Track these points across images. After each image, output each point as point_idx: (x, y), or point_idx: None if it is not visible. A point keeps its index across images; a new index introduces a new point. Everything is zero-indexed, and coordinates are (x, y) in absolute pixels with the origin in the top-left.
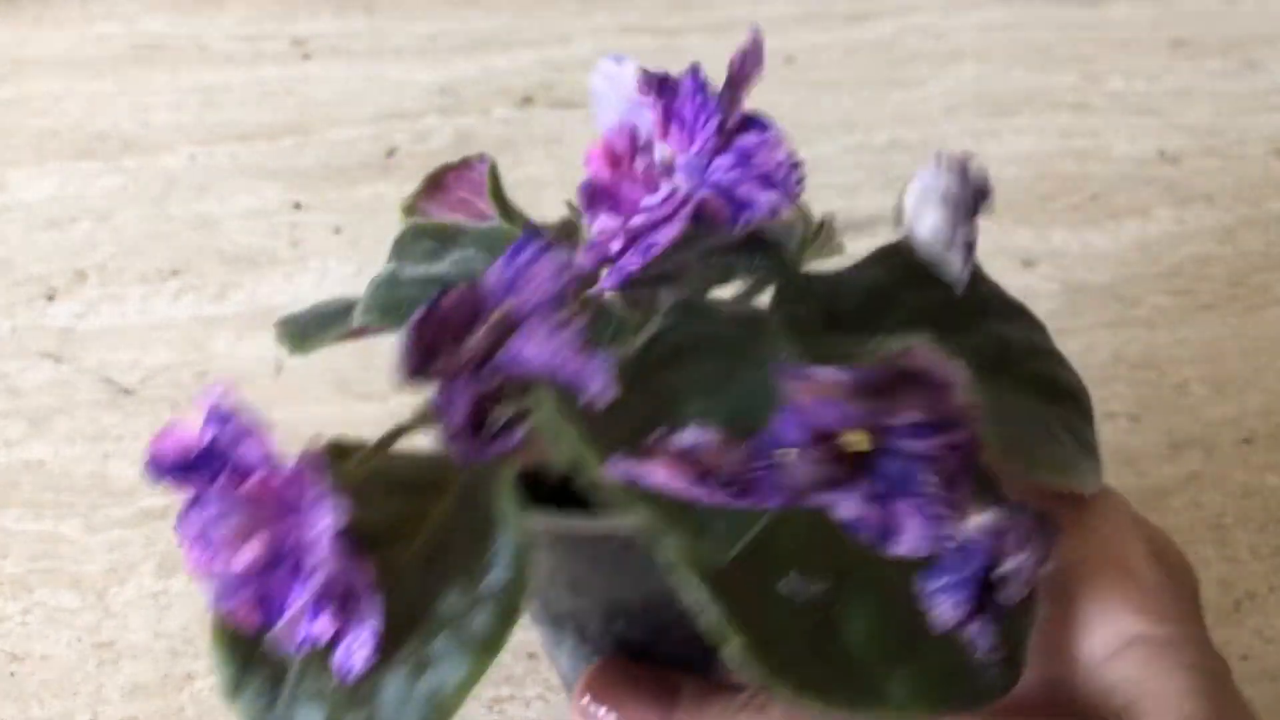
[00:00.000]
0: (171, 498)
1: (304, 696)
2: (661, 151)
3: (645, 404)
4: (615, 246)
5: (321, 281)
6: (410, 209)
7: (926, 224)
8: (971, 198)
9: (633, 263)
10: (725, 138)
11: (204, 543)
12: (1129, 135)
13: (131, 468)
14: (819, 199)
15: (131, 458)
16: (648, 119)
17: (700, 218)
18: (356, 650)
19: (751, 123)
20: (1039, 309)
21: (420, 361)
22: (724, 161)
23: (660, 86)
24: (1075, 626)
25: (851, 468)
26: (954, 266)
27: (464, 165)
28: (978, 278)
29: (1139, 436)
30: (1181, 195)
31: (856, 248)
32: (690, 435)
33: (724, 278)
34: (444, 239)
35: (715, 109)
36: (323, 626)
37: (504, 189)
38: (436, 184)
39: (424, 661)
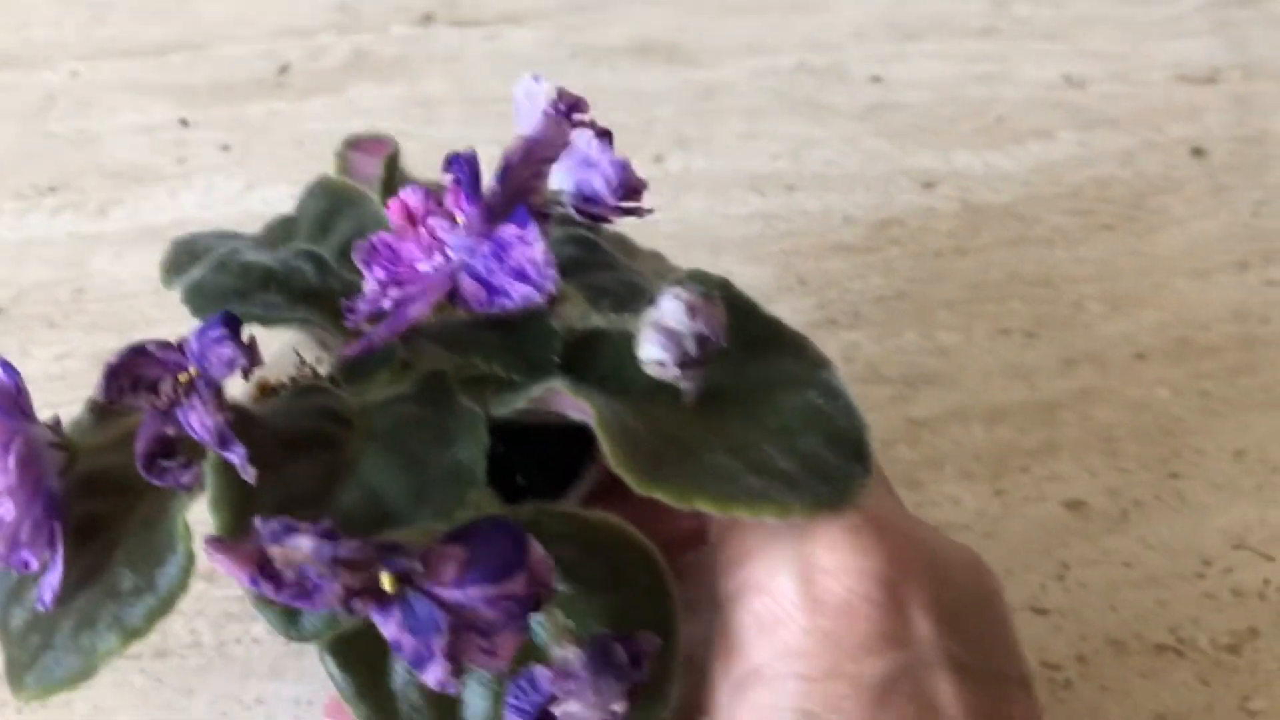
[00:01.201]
0: (46, 415)
1: (17, 601)
2: (453, 219)
3: (314, 478)
4: (382, 305)
5: (207, 198)
6: (340, 162)
7: (651, 350)
8: (696, 338)
9: (379, 334)
10: (490, 224)
11: None
12: (1035, 60)
13: None
14: (725, 123)
15: None
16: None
17: (457, 299)
18: (45, 589)
19: (514, 214)
20: (937, 227)
21: (111, 396)
22: (483, 248)
23: (453, 160)
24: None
25: (389, 598)
26: (684, 387)
27: (374, 139)
28: (751, 317)
29: (1034, 351)
30: (1086, 119)
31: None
32: (269, 527)
33: (467, 353)
34: (337, 203)
35: (474, 195)
36: (28, 563)
37: (395, 178)
38: (355, 145)
39: (91, 620)
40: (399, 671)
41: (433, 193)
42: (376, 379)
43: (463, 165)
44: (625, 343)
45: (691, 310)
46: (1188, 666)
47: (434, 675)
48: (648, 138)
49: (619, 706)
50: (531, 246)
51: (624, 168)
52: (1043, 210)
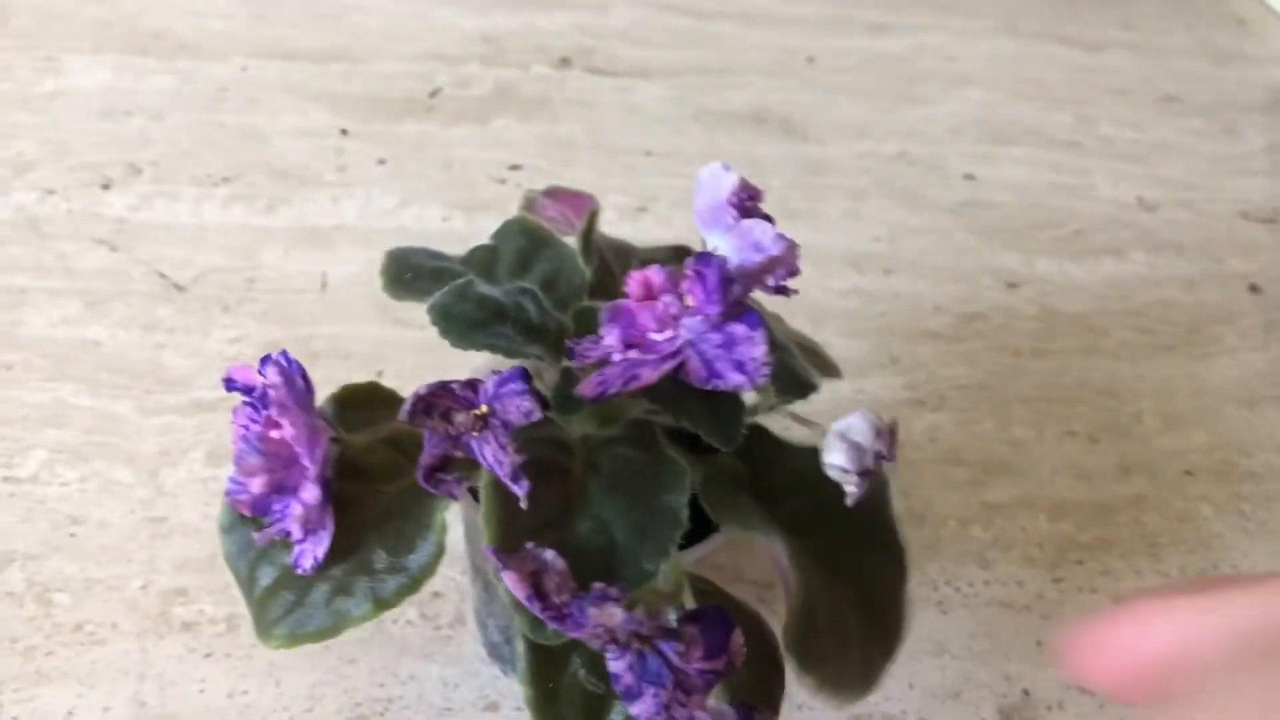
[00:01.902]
0: (222, 393)
1: (267, 561)
2: (684, 301)
3: (557, 504)
4: (613, 357)
5: (365, 209)
6: (527, 203)
7: (836, 456)
8: (875, 454)
9: (613, 384)
10: (724, 318)
11: (239, 463)
12: (1113, 179)
13: (184, 360)
14: (830, 200)
15: (184, 350)
16: (725, 224)
17: (681, 369)
18: (307, 557)
19: (746, 315)
20: (1018, 327)
21: (414, 415)
22: (714, 337)
23: (703, 259)
24: None
25: (624, 644)
26: (849, 491)
27: (572, 192)
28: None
29: (1095, 457)
30: (1155, 242)
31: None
32: (547, 556)
33: (678, 414)
34: (535, 242)
35: (720, 297)
36: (292, 530)
37: (594, 232)
38: (549, 193)
39: (345, 589)
40: (569, 674)
41: (672, 274)
42: (583, 414)
43: (713, 268)
44: (803, 450)
45: (877, 431)
46: None
47: (642, 711)
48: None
49: None
50: (757, 346)
51: (792, 252)
52: (1111, 324)
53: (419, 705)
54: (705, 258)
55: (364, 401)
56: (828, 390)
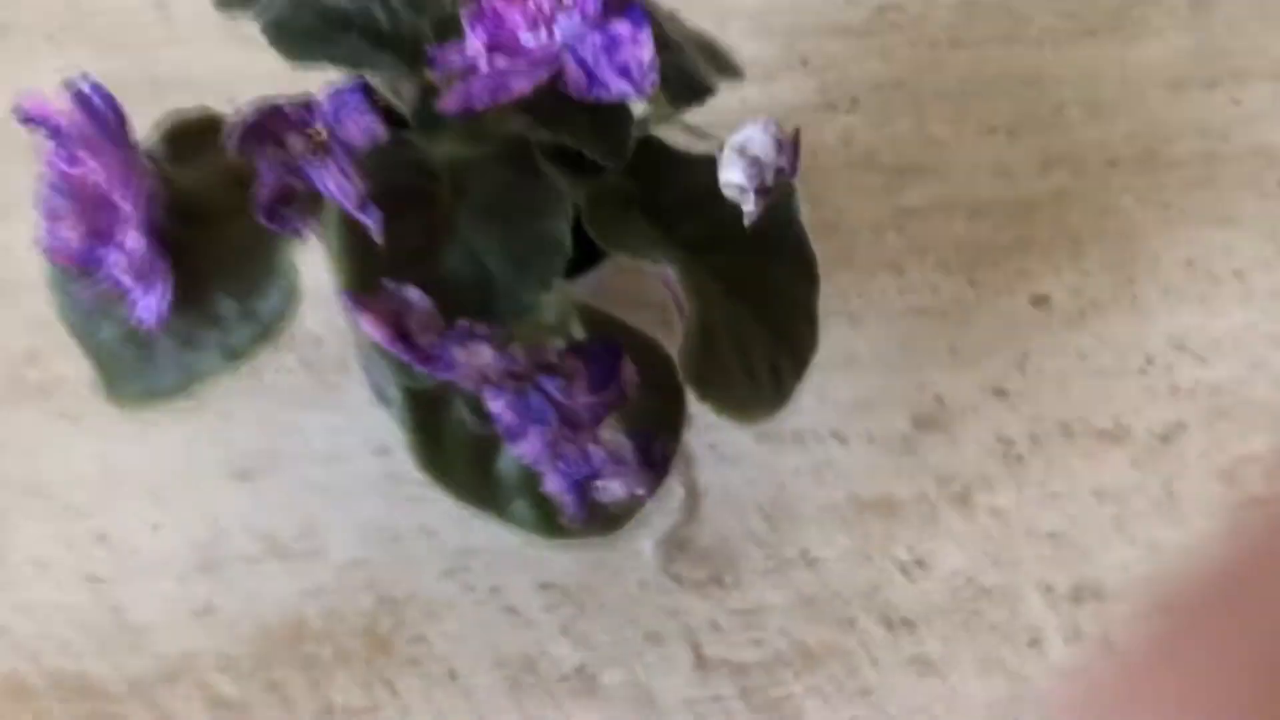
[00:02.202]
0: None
1: (105, 316)
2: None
3: (420, 236)
4: (479, 66)
5: None
6: None
7: (733, 173)
8: (775, 169)
9: (480, 97)
10: (604, 16)
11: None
12: None
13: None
14: None
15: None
16: None
17: (559, 79)
18: (147, 311)
19: (629, 11)
20: (937, 18)
21: (243, 144)
22: (595, 39)
23: None
24: None
25: (505, 381)
26: (747, 209)
27: None
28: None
29: (1016, 152)
30: None
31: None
32: (409, 295)
33: (558, 130)
34: None
35: (595, 10)
36: (123, 281)
37: None
38: None
39: (192, 342)
40: (453, 417)
41: None
42: (449, 131)
43: None
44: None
45: (779, 145)
46: (1123, 451)
47: (528, 450)
48: None
49: (642, 491)
50: (642, 47)
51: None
52: (1034, 9)
53: (306, 455)
54: None
55: (199, 134)
56: (732, 97)
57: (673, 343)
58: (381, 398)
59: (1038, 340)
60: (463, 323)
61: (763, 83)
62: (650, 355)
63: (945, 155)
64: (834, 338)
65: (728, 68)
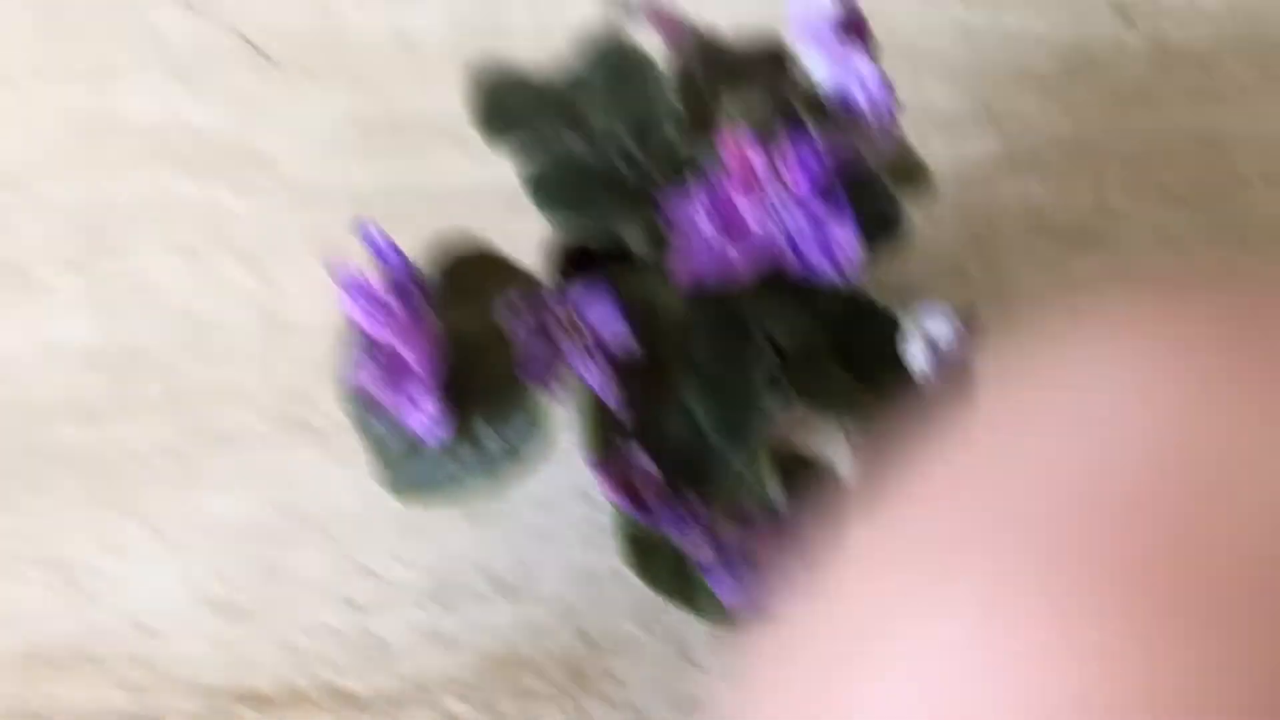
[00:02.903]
0: (320, 179)
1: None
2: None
3: (647, 398)
4: (704, 237)
5: None
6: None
7: (917, 358)
8: (955, 353)
9: (705, 272)
10: (816, 199)
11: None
12: None
13: (275, 139)
14: None
15: (278, 131)
16: (823, 45)
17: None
18: (419, 425)
19: (837, 203)
20: (1127, 71)
21: (506, 316)
22: (806, 226)
23: (799, 143)
24: None
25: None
26: (920, 384)
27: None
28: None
29: (1189, 223)
30: None
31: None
32: (639, 460)
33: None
34: (625, 71)
35: (815, 189)
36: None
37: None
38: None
39: (455, 453)
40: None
41: (766, 146)
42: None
43: (809, 157)
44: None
45: (962, 341)
46: None
47: (724, 591)
48: None
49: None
50: (847, 234)
51: (891, 108)
52: (1231, 65)
53: (526, 499)
54: (802, 139)
55: (471, 266)
56: (919, 151)
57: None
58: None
59: None
60: (685, 497)
61: (948, 134)
62: (829, 479)
63: (1117, 223)
64: None
65: (918, 177)
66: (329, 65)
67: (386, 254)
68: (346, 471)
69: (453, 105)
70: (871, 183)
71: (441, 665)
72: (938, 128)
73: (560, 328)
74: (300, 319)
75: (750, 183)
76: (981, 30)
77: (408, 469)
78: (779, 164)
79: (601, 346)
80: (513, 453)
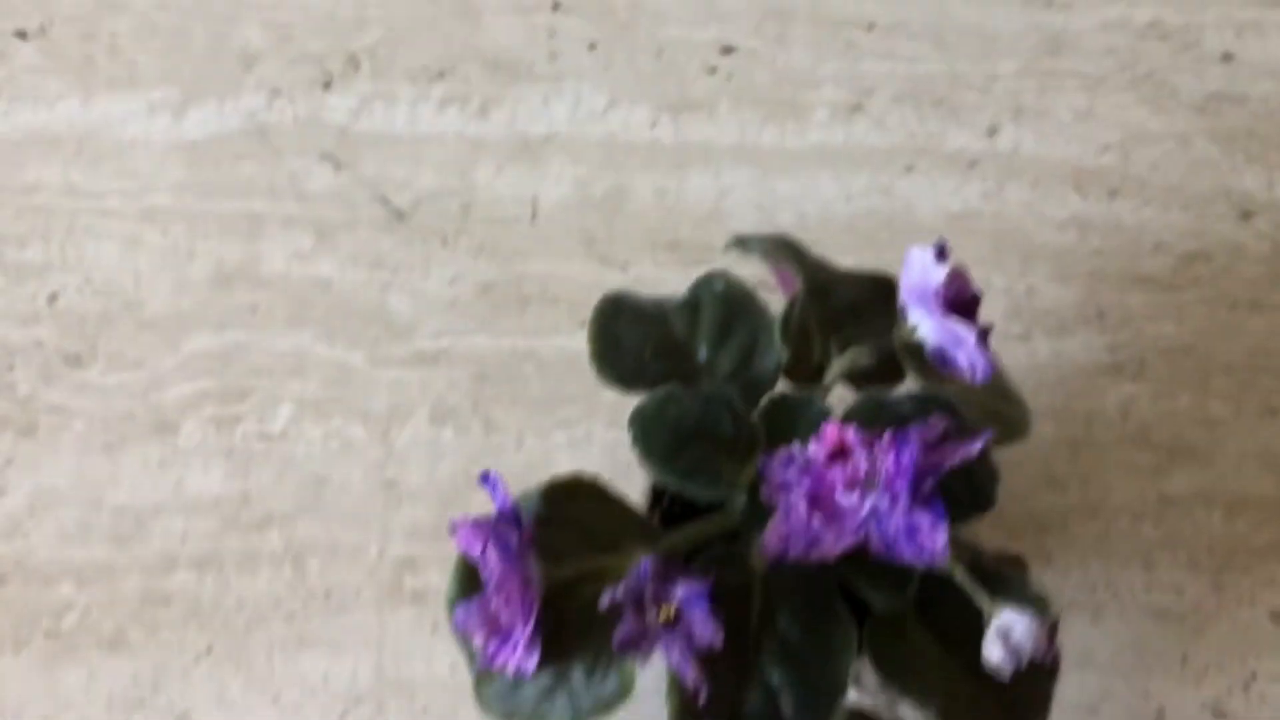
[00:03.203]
0: (444, 343)
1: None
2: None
3: (732, 673)
4: (797, 513)
5: (575, 111)
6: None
7: (994, 653)
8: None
9: (796, 548)
10: (910, 503)
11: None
12: None
13: (408, 303)
14: (1064, 91)
15: (407, 291)
16: (932, 311)
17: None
18: (513, 662)
19: (934, 504)
20: (1242, 273)
21: (610, 605)
22: (899, 520)
23: (901, 444)
24: None
25: None
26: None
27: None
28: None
29: None
30: None
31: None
32: None
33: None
34: (735, 308)
35: (911, 482)
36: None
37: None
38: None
39: (549, 691)
40: None
41: (861, 436)
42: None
43: (909, 449)
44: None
45: (1037, 641)
46: None
47: None
48: (986, 99)
49: None
50: (939, 537)
51: (990, 367)
52: None
53: None
54: (903, 437)
55: (572, 494)
56: (1020, 350)
57: None
58: None
59: (1268, 661)
60: None
61: (1055, 336)
62: None
63: (1218, 437)
64: (1075, 634)
65: (1014, 425)
66: (460, 229)
67: (502, 504)
68: (440, 640)
69: (573, 274)
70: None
71: None
72: (1043, 325)
73: (656, 616)
74: (414, 484)
75: (849, 474)
76: (1095, 222)
77: (499, 689)
78: (878, 458)
79: (691, 640)
80: (602, 706)
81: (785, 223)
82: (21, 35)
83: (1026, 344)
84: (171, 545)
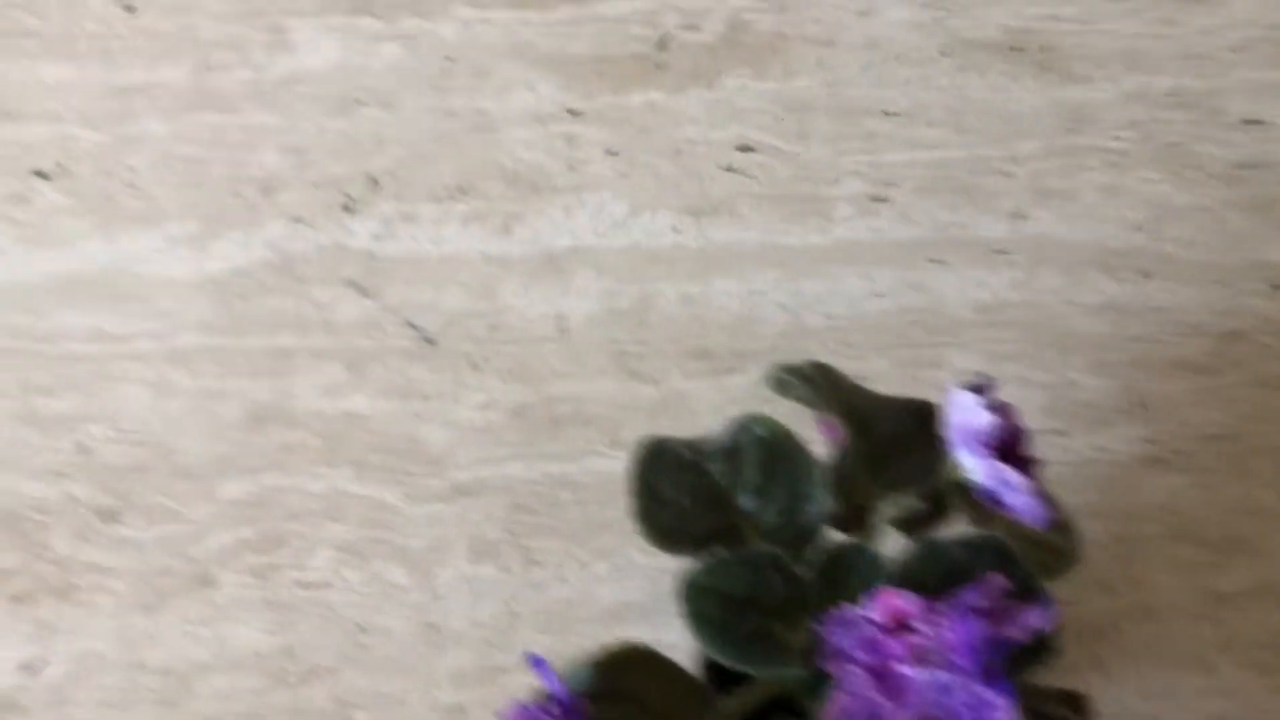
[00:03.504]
0: (479, 473)
1: None
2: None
3: None
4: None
5: (597, 222)
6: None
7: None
8: None
9: None
10: (978, 678)
11: None
12: None
13: (440, 433)
14: (1088, 168)
15: (439, 421)
16: (979, 453)
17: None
18: None
19: (996, 680)
20: (1276, 348)
21: None
22: (964, 696)
23: (964, 623)
24: None
25: None
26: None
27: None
28: None
29: None
30: None
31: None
32: None
33: None
34: (776, 451)
35: (975, 658)
36: None
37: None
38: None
39: None
40: None
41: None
42: None
43: (967, 627)
44: None
45: None
46: None
47: None
48: (1010, 183)
49: None
50: (1004, 713)
51: (1046, 512)
52: None
53: None
54: (961, 609)
55: (624, 663)
56: (1061, 447)
57: None
58: None
59: None
60: None
61: (1095, 430)
62: None
63: (1269, 527)
64: None
65: (1061, 560)
66: (488, 351)
67: (552, 685)
68: None
69: (604, 392)
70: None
71: None
72: (1083, 418)
73: None
74: (457, 628)
75: (911, 646)
76: (1130, 306)
77: None
78: (941, 627)
79: None
80: None
81: (814, 324)
82: (42, 175)
83: (1065, 439)
84: (217, 706)
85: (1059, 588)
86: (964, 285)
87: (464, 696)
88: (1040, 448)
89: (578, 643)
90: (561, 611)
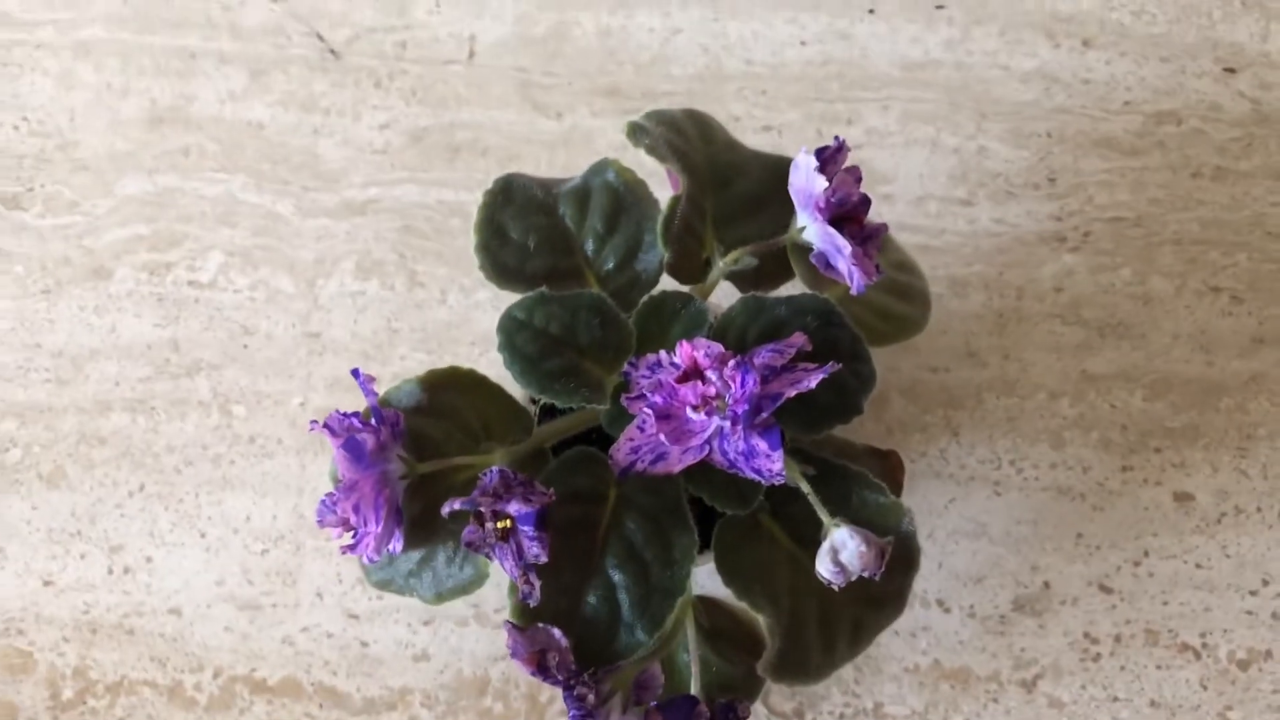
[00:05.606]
0: (373, 193)
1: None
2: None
3: (574, 571)
4: (647, 426)
5: None
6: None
7: (823, 567)
8: (859, 575)
9: (643, 460)
10: (749, 429)
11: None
12: None
13: (337, 150)
14: None
15: (338, 136)
16: (814, 217)
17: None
18: (370, 552)
19: (770, 433)
20: (1213, 137)
21: (453, 516)
22: (738, 443)
23: (744, 373)
24: None
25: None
26: (833, 585)
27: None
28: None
29: (1230, 321)
30: None
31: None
32: (554, 634)
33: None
34: (623, 201)
35: (749, 408)
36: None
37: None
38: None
39: (417, 568)
40: None
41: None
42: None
43: (750, 377)
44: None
45: (864, 561)
46: (1197, 669)
47: None
48: None
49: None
50: (774, 462)
51: (865, 282)
52: None
53: None
54: (746, 365)
55: (450, 384)
56: (960, 217)
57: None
58: None
59: (1163, 540)
60: (574, 681)
61: (1000, 201)
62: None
63: (1154, 315)
64: (973, 505)
65: (908, 322)
66: (393, 69)
67: (370, 400)
68: None
69: (506, 123)
70: (845, 351)
71: (419, 681)
72: (990, 189)
73: (494, 526)
74: (337, 336)
75: (699, 394)
76: (1063, 76)
77: (379, 566)
78: (727, 381)
79: (521, 553)
80: (460, 589)
81: (732, 69)
82: None
83: (968, 209)
84: (106, 389)
85: (930, 355)
86: (895, 40)
87: (339, 400)
88: (941, 216)
89: (452, 363)
90: (439, 333)
